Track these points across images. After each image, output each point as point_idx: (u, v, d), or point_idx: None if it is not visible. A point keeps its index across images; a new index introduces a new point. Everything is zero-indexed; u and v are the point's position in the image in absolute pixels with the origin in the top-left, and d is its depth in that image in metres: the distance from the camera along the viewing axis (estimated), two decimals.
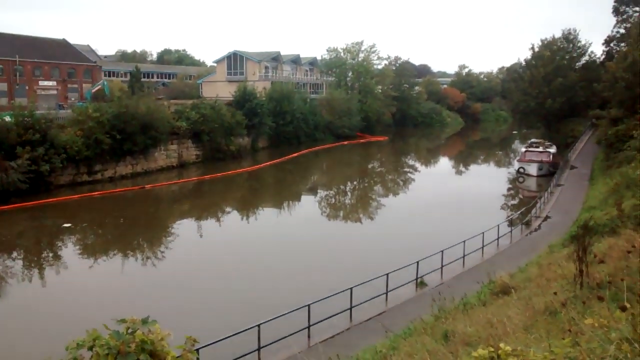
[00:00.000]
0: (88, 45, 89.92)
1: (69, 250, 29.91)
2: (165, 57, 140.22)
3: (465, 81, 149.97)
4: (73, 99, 73.79)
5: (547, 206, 34.45)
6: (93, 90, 66.52)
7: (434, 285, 20.20)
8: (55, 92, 74.10)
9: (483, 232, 25.11)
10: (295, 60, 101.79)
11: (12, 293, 23.30)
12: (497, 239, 26.45)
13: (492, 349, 4.25)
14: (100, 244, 31.33)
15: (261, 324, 14.30)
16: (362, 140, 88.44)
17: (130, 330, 4.01)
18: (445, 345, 9.13)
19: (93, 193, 41.90)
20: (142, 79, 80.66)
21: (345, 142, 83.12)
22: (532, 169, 50.48)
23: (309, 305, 15.86)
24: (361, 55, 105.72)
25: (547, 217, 31.73)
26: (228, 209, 41.53)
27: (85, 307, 20.18)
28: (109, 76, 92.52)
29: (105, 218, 36.98)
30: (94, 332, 3.93)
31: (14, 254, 29.04)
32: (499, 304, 11.54)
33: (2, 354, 16.89)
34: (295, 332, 15.58)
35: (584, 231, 9.73)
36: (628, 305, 4.34)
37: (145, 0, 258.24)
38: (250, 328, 14.13)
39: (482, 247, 24.96)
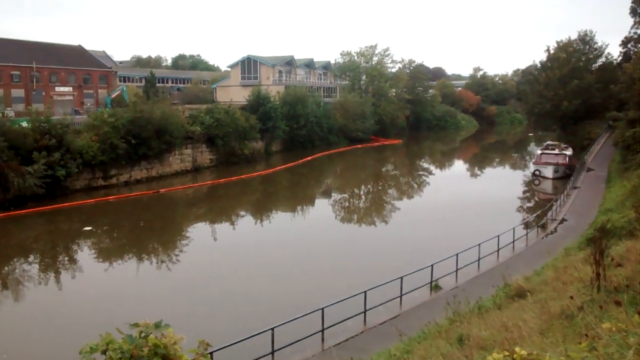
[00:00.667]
0: (103, 51, 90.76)
1: (84, 253, 30.16)
2: (180, 62, 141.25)
3: (479, 83, 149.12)
4: (89, 104, 74.59)
5: (564, 209, 34.12)
6: (112, 96, 67.17)
7: (449, 289, 20.06)
8: (71, 97, 74.96)
9: (498, 235, 24.90)
10: (309, 64, 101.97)
11: (29, 296, 23.55)
12: (513, 241, 26.23)
13: (507, 353, 4.19)
14: (116, 247, 31.58)
15: (275, 327, 14.29)
16: (376, 144, 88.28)
17: (143, 334, 4.00)
18: (460, 349, 9.06)
19: (108, 197, 42.28)
20: (157, 84, 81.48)
21: (359, 146, 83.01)
22: (548, 172, 50.06)
23: (322, 309, 15.82)
24: (375, 58, 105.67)
25: (563, 220, 31.42)
26: (242, 213, 41.65)
27: (99, 311, 20.32)
28: (124, 81, 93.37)
29: (121, 222, 37.28)
30: (108, 336, 3.93)
31: (30, 258, 29.37)
32: (515, 307, 11.43)
33: (17, 358, 17.06)
34: (309, 336, 15.54)
35: (600, 234, 9.61)
36: None
37: (160, 6, 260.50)
38: (264, 331, 14.14)
39: (498, 250, 24.76)
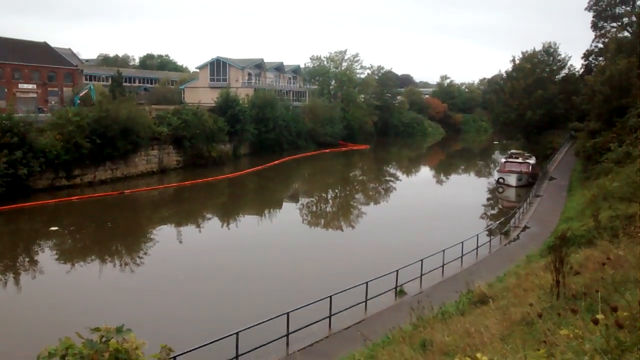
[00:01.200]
0: (69, 49, 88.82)
1: (45, 255, 29.48)
2: (148, 62, 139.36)
3: (446, 92, 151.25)
4: (53, 102, 73.01)
5: (526, 216, 34.79)
6: (80, 94, 65.89)
7: (413, 294, 20.24)
8: (35, 95, 73.23)
9: (462, 242, 25.24)
10: (279, 68, 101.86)
11: None
12: (477, 248, 26.61)
13: (469, 359, 4.27)
14: (78, 249, 30.96)
15: (239, 332, 14.18)
16: (344, 149, 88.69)
17: (104, 339, 3.94)
18: (423, 355, 9.16)
19: (71, 197, 41.42)
20: (124, 84, 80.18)
21: (327, 150, 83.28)
22: (512, 180, 50.95)
23: (288, 313, 15.78)
24: (344, 64, 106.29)
25: (525, 227, 32.04)
26: (209, 216, 41.31)
27: (59, 314, 19.87)
28: (91, 80, 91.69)
29: (84, 223, 36.53)
30: (67, 340, 3.86)
31: None
32: (477, 313, 11.61)
33: None
34: (274, 340, 15.50)
35: (561, 242, 9.85)
36: (601, 317, 4.39)
37: (128, 4, 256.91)
38: (228, 336, 14.02)
39: (462, 257, 25.09)
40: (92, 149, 45.37)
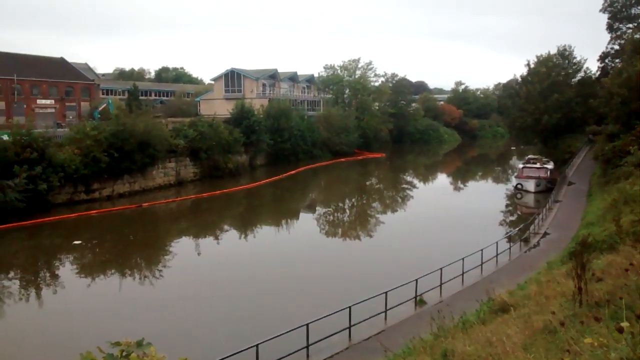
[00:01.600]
0: (86, 64, 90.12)
1: (66, 269, 29.76)
2: (163, 75, 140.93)
3: (461, 97, 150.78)
4: (71, 117, 73.95)
5: (546, 222, 34.44)
6: (99, 109, 66.70)
7: (433, 304, 20.10)
8: (53, 110, 74.27)
9: (482, 249, 25.04)
10: (293, 78, 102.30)
11: (8, 313, 23.14)
12: (496, 255, 26.39)
13: None
14: (98, 263, 31.21)
15: (259, 344, 14.18)
16: (359, 157, 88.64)
17: (124, 353, 3.96)
18: None
19: (91, 212, 41.85)
20: (140, 97, 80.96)
21: (343, 159, 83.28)
22: (530, 185, 50.56)
23: (307, 325, 15.75)
24: (358, 72, 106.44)
25: (545, 234, 31.71)
26: (226, 227, 41.46)
27: (80, 329, 20.03)
28: (107, 94, 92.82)
29: (104, 237, 36.88)
30: (88, 354, 3.88)
31: (11, 274, 28.88)
32: (498, 322, 11.48)
33: None
34: (294, 352, 15.47)
35: (582, 248, 9.72)
36: (627, 325, 4.33)
37: (144, 18, 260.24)
38: (248, 348, 14.03)
39: (481, 264, 24.88)
40: (110, 163, 45.88)
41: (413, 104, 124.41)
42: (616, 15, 65.30)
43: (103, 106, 67.71)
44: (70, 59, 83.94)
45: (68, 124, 62.81)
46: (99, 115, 62.33)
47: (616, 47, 64.55)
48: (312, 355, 15.85)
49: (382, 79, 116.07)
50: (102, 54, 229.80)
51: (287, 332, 15.29)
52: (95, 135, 45.50)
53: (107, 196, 47.10)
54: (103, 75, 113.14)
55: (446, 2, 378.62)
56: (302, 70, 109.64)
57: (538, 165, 53.48)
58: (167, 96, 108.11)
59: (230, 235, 38.73)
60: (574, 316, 7.23)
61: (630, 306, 5.74)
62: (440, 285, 21.70)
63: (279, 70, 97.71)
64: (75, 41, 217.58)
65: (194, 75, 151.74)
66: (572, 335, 5.85)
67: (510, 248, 28.29)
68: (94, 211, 42.02)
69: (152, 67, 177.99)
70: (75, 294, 25.37)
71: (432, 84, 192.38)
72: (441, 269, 21.73)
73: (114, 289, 26.24)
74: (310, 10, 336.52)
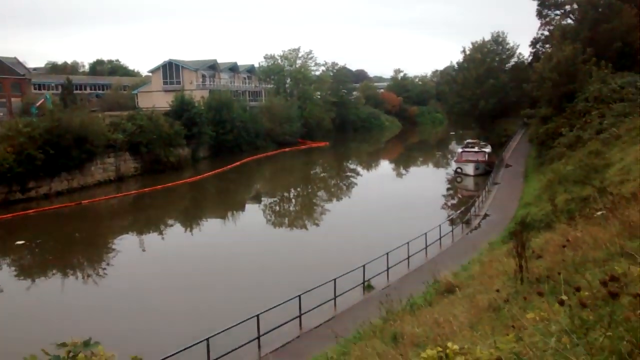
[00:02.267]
0: (15, 58, 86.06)
1: (4, 271, 28.59)
2: (98, 68, 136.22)
3: (401, 85, 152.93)
4: (1, 114, 70.68)
5: (486, 204, 35.55)
6: (37, 105, 63.97)
7: (381, 288, 20.48)
8: None
9: (426, 233, 25.64)
10: (233, 68, 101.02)
11: None
12: (440, 238, 27.08)
13: (440, 349, 4.36)
14: (38, 263, 30.15)
15: (209, 337, 14.10)
16: (303, 147, 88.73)
17: (71, 354, 3.86)
18: (395, 347, 9.29)
19: (28, 211, 40.21)
20: (75, 91, 78.09)
21: (287, 149, 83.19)
22: (469, 169, 51.93)
23: (257, 316, 15.76)
24: (299, 61, 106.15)
25: (486, 215, 32.74)
26: (170, 222, 40.73)
27: (22, 331, 19.32)
28: (39, 89, 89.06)
29: (42, 236, 35.55)
30: (32, 358, 3.78)
31: None
32: (445, 303, 11.84)
33: None
34: (245, 344, 15.46)
35: (521, 227, 10.12)
36: (565, 298, 4.54)
37: (76, 10, 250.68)
38: (199, 342, 13.93)
39: (426, 248, 25.49)
40: (45, 160, 44.13)
41: (354, 93, 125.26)
42: (544, 2, 67.52)
43: (41, 101, 65.05)
44: None
45: None
46: (37, 111, 59.84)
47: (546, 33, 66.92)
48: (264, 345, 15.88)
49: (323, 68, 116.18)
50: (33, 48, 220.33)
51: (238, 324, 15.26)
52: (29, 132, 43.69)
53: (45, 194, 45.37)
54: (34, 69, 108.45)
55: None
56: (243, 61, 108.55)
57: (476, 149, 54.99)
58: (103, 89, 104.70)
59: (175, 230, 38.10)
60: (516, 293, 7.53)
61: (568, 280, 6.03)
62: (387, 270, 22.12)
63: (219, 61, 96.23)
64: (2, 34, 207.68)
65: (131, 67, 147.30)
66: (515, 312, 6.09)
67: (452, 231, 29.09)
68: (32, 210, 40.41)
69: (86, 60, 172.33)
70: (16, 296, 24.43)
71: (372, 72, 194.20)
72: (387, 253, 22.14)
73: (56, 289, 25.45)
74: (247, 0, 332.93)
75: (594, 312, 4.36)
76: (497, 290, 7.88)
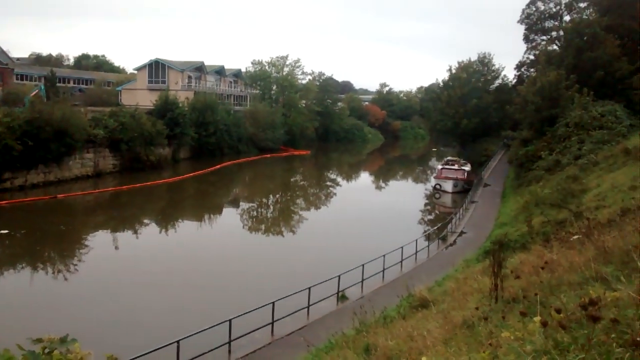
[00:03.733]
0: None
1: None
2: (83, 62, 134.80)
3: (386, 99, 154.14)
4: None
5: (462, 222, 35.78)
6: (31, 95, 62.94)
7: (355, 299, 20.46)
8: None
9: (402, 247, 25.70)
10: (220, 72, 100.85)
11: None
12: (415, 253, 27.16)
13: None
14: (8, 256, 29.56)
15: (180, 340, 13.93)
16: (285, 154, 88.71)
17: (47, 350, 3.79)
18: (367, 359, 9.27)
19: (0, 202, 39.48)
20: (58, 84, 77.10)
21: (269, 155, 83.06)
22: (448, 186, 52.30)
23: (230, 320, 15.63)
24: (286, 69, 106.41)
25: (462, 233, 32.95)
26: (146, 221, 40.30)
27: None
28: (22, 80, 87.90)
29: (14, 229, 34.92)
30: (6, 352, 3.69)
31: None
32: (419, 317, 11.85)
33: None
34: (215, 348, 15.31)
35: (499, 247, 10.19)
36: (538, 319, 4.57)
37: (63, 2, 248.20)
38: (170, 344, 13.75)
39: (401, 261, 25.54)
40: (23, 152, 43.41)
41: (339, 103, 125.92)
42: (532, 27, 68.83)
43: (34, 92, 64.03)
44: None
45: None
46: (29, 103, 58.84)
47: (531, 57, 68.08)
48: (234, 350, 15.74)
49: (310, 77, 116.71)
50: (17, 37, 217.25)
51: (210, 327, 15.11)
52: (8, 122, 42.95)
53: (20, 186, 44.59)
54: (18, 59, 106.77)
55: (373, 6, 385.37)
56: (230, 65, 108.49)
57: (456, 166, 55.43)
58: (87, 84, 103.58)
59: (150, 230, 37.68)
60: (491, 311, 7.57)
61: (543, 302, 6.09)
62: (362, 282, 22.11)
63: (206, 63, 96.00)
64: None
65: (116, 64, 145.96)
66: (490, 329, 6.13)
67: (428, 246, 29.21)
68: (4, 202, 39.68)
69: (71, 54, 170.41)
70: None
71: (357, 85, 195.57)
72: (363, 265, 22.15)
73: (24, 284, 24.97)
74: (238, 5, 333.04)
75: (569, 334, 4.41)
76: (477, 308, 7.92)
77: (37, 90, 64.32)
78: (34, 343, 3.80)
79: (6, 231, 32.63)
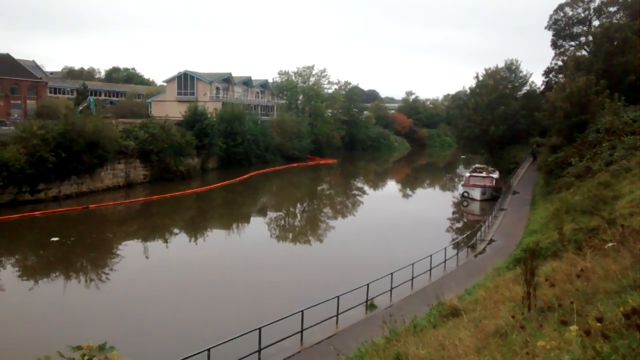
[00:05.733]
0: (33, 61, 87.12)
1: (7, 272, 28.67)
2: (114, 75, 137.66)
3: (412, 107, 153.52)
4: (16, 115, 71.33)
5: (491, 230, 35.35)
6: (80, 108, 64.53)
7: (384, 307, 20.36)
8: None
9: (431, 255, 25.52)
10: (247, 82, 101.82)
11: None
12: (444, 261, 26.93)
13: None
14: (42, 265, 30.21)
15: (211, 348, 14.05)
16: (311, 163, 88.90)
17: (86, 358, 3.88)
18: None
19: (34, 212, 40.41)
20: (90, 97, 78.90)
21: (295, 165, 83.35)
22: (476, 194, 51.75)
23: (259, 329, 15.71)
24: (312, 79, 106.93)
25: (491, 241, 32.55)
26: (176, 231, 40.79)
27: (29, 333, 19.33)
28: (55, 93, 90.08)
29: (47, 239, 35.67)
30: (46, 359, 3.80)
31: None
32: (449, 326, 11.75)
33: None
34: (246, 356, 15.41)
35: (531, 254, 10.09)
36: (576, 328, 4.53)
37: (95, 16, 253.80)
38: (200, 352, 13.88)
39: (430, 270, 25.35)
40: (57, 163, 44.47)
41: (365, 112, 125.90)
42: (560, 33, 67.96)
43: (84, 105, 65.66)
44: (17, 55, 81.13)
45: (12, 122, 60.58)
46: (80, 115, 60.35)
47: (560, 63, 67.13)
48: (264, 359, 15.82)
49: (336, 86, 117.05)
50: (51, 52, 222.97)
51: (240, 336, 15.21)
52: (43, 135, 44.04)
53: (53, 197, 45.62)
54: (51, 73, 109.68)
55: (400, 14, 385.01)
56: (256, 75, 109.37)
57: (484, 174, 54.82)
58: (118, 97, 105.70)
59: (180, 239, 38.13)
60: (525, 320, 7.50)
61: (579, 311, 6.01)
62: (391, 290, 22.00)
63: (233, 74, 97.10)
64: (22, 38, 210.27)
65: (146, 76, 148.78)
66: (525, 339, 6.08)
67: (457, 254, 28.93)
68: (38, 212, 40.60)
69: (102, 67, 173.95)
70: (20, 298, 24.46)
71: (383, 93, 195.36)
72: (392, 274, 22.04)
73: (59, 293, 25.46)
74: (264, 16, 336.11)
75: (608, 343, 4.35)
76: (513, 317, 7.84)
77: (86, 103, 65.83)
78: (74, 350, 3.90)
79: (57, 239, 33.62)
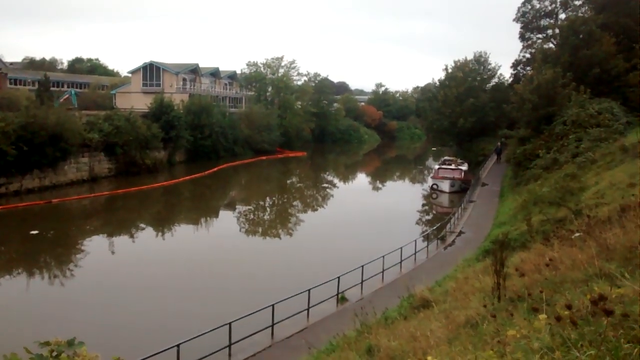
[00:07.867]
0: None
1: None
2: (77, 65, 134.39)
3: (381, 99, 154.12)
4: None
5: (461, 222, 35.71)
6: (61, 101, 62.73)
7: (355, 300, 20.39)
8: None
9: (401, 247, 25.64)
10: (215, 74, 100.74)
11: None
12: (415, 253, 27.09)
13: None
14: (3, 261, 29.42)
15: (180, 343, 13.85)
16: (281, 156, 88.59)
17: (54, 354, 3.75)
18: None
19: None
20: (52, 88, 76.87)
21: (264, 157, 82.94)
22: (445, 186, 52.19)
23: (230, 324, 15.55)
24: (281, 70, 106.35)
25: (461, 232, 32.89)
26: (142, 225, 40.15)
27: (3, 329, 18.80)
28: (15, 84, 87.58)
29: (9, 234, 34.78)
30: (13, 356, 3.64)
31: None
32: (420, 317, 11.78)
33: None
34: (216, 351, 15.23)
35: (500, 245, 10.14)
36: (545, 317, 4.53)
37: (56, 5, 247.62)
38: (170, 348, 13.66)
39: (400, 262, 25.47)
40: (18, 157, 43.26)
41: (335, 104, 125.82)
42: (527, 26, 68.85)
43: (65, 97, 63.88)
44: None
45: None
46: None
47: (527, 55, 68.10)
48: (235, 353, 15.66)
49: (305, 78, 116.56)
50: (10, 42, 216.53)
51: (210, 331, 15.03)
52: (2, 127, 42.78)
53: (15, 191, 44.42)
54: (11, 64, 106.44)
55: (370, 5, 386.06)
56: (225, 67, 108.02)
57: (453, 166, 55.34)
58: (81, 88, 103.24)
59: (146, 234, 37.54)
60: (494, 310, 7.51)
61: (547, 300, 6.03)
62: (362, 283, 22.04)
63: (201, 65, 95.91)
64: None
65: (110, 67, 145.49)
66: (495, 328, 6.07)
67: (427, 246, 29.15)
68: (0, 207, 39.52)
69: (65, 58, 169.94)
70: None
71: (353, 85, 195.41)
72: (362, 266, 22.07)
73: (22, 288, 24.83)
74: (233, 6, 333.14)
75: (576, 330, 4.36)
76: (485, 306, 7.86)
77: (67, 95, 64.13)
78: (41, 346, 3.76)
79: (36, 232, 33.18)
